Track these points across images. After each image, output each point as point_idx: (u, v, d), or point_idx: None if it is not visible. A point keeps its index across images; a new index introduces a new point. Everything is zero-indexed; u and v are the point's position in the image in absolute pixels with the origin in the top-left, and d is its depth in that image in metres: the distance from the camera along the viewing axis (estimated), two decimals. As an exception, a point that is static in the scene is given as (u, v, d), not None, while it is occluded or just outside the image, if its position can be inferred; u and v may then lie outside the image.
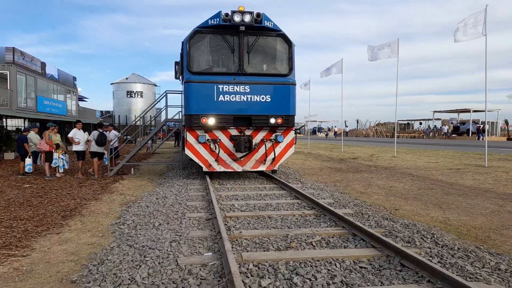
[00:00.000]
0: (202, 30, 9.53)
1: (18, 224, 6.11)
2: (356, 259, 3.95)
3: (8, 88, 20.30)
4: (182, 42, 9.91)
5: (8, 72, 20.35)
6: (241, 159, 9.80)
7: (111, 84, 45.83)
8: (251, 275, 3.53)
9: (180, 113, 15.01)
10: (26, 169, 12.24)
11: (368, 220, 5.59)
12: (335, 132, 68.86)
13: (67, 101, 29.92)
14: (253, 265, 3.78)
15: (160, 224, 5.62)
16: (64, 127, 30.34)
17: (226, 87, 9.41)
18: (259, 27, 9.51)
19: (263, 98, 9.57)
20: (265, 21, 9.47)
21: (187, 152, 9.67)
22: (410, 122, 71.91)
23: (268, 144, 9.86)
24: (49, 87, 25.97)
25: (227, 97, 9.44)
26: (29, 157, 12.19)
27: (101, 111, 44.80)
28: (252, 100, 9.52)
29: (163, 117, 14.94)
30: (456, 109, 46.49)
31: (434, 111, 48.74)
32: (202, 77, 9.45)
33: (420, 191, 8.68)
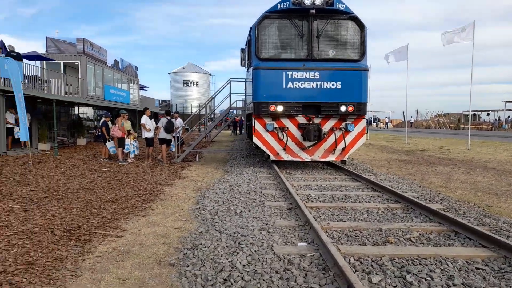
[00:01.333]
0: (271, 15, 9.33)
1: (105, 206, 6.41)
2: (468, 259, 3.61)
3: (79, 77, 21.60)
4: (250, 28, 9.80)
5: (79, 61, 21.64)
6: (310, 148, 9.57)
7: (169, 73, 47.29)
8: (356, 270, 3.34)
9: (242, 101, 14.96)
10: (111, 152, 12.83)
11: (466, 217, 5.14)
12: (387, 123, 65.92)
13: (130, 90, 31.32)
14: (354, 259, 3.59)
15: (241, 212, 5.59)
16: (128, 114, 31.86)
17: (295, 74, 9.18)
18: (330, 10, 9.13)
19: (333, 84, 9.22)
20: (337, 3, 9.06)
21: (255, 140, 9.62)
22: (476, 113, 66.90)
23: (338, 133, 9.53)
24: (114, 77, 27.32)
25: (296, 84, 9.21)
26: (109, 140, 12.80)
27: (159, 100, 46.52)
28: (322, 87, 9.21)
29: (221, 106, 15.05)
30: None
31: (506, 101, 44.81)
32: (271, 63, 9.28)
33: (511, 187, 7.93)
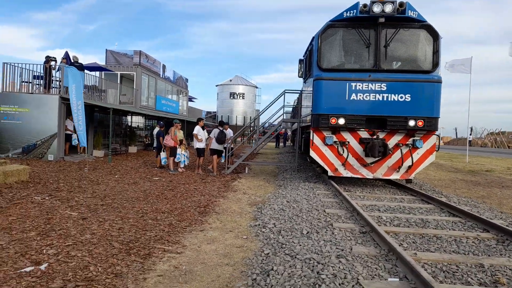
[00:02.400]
0: (336, 24, 8.85)
1: (162, 217, 6.15)
2: None
3: (134, 87, 22.27)
4: (313, 37, 9.37)
5: (135, 73, 22.35)
6: (372, 165, 8.87)
7: (216, 86, 48.02)
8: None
9: (287, 114, 14.50)
10: (162, 162, 12.97)
11: None
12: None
13: (179, 101, 32.00)
14: (464, 303, 2.95)
15: (308, 233, 5.06)
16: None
17: (359, 85, 8.58)
18: (401, 18, 8.48)
19: (401, 97, 8.51)
20: (409, 10, 8.40)
21: (312, 154, 9.09)
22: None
23: (404, 150, 8.75)
24: (166, 88, 28.00)
25: (360, 95, 8.61)
26: (163, 151, 12.89)
27: (206, 111, 47.31)
28: (389, 99, 8.53)
29: (265, 118, 14.62)
30: None
31: None
32: (334, 74, 8.76)
33: None
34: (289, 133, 41.84)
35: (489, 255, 4.25)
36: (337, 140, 8.91)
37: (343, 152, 8.88)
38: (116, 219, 5.89)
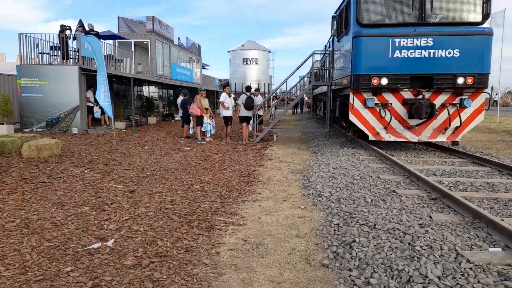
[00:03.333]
0: (375, -26, 8.14)
1: (209, 188, 5.92)
2: None
3: (149, 55, 21.71)
4: (350, -9, 8.69)
5: (149, 40, 21.70)
6: (416, 127, 8.43)
7: (228, 51, 46.88)
8: None
9: (321, 76, 13.92)
10: (190, 132, 12.73)
11: None
12: None
13: (193, 69, 31.35)
14: None
15: (373, 201, 4.77)
16: (192, 93, 32.13)
17: (403, 41, 7.99)
18: (448, -35, 7.74)
19: (449, 53, 7.91)
20: (458, -44, 7.63)
21: (352, 118, 8.66)
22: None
23: (451, 110, 8.26)
24: (180, 55, 27.33)
25: (404, 52, 8.04)
26: (191, 120, 12.61)
27: (218, 79, 46.54)
28: (436, 55, 7.95)
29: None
30: None
31: None
32: (375, 30, 8.16)
33: None
34: (306, 99, 41.02)
35: None
36: (378, 102, 8.44)
37: (385, 115, 8.44)
38: (164, 191, 5.68)
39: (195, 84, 30.49)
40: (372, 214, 4.10)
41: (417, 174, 5.61)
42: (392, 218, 3.89)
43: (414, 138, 8.52)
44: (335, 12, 10.48)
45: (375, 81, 8.14)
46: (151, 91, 27.58)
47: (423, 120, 8.20)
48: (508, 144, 11.21)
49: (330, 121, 16.32)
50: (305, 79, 29.57)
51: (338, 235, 3.76)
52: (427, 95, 8.26)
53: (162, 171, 7.27)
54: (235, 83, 45.35)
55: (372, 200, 4.74)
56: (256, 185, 6.29)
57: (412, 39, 7.95)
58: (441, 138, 8.50)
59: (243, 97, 11.68)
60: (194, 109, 12.01)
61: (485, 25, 7.94)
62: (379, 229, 3.61)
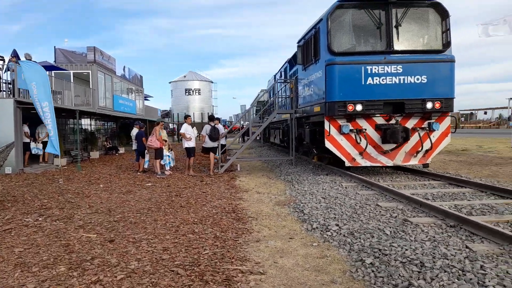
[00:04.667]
0: (344, 4, 8.31)
1: (200, 230, 5.20)
2: None
3: (91, 87, 20.28)
4: (320, 20, 8.75)
5: (90, 71, 20.33)
6: (391, 152, 8.50)
7: (169, 82, 46.06)
8: None
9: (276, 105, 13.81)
10: (145, 166, 11.77)
11: None
12: None
13: (136, 100, 30.03)
14: None
15: (392, 232, 4.45)
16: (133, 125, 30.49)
17: (375, 68, 8.14)
18: (410, -4, 8.15)
19: (418, 79, 8.20)
20: (419, -12, 8.08)
21: (328, 145, 8.51)
22: (473, 112, 67.21)
23: (421, 133, 8.48)
24: (123, 87, 26.02)
25: (376, 79, 8.17)
26: (147, 153, 11.69)
27: (161, 110, 45.18)
28: (406, 81, 8.18)
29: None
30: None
31: (510, 98, 44.60)
32: (348, 58, 8.23)
33: None
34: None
35: None
36: (353, 128, 8.42)
37: (360, 141, 8.41)
38: (149, 237, 4.86)
39: (138, 116, 29.11)
40: (407, 249, 3.75)
41: (419, 200, 5.46)
42: (434, 253, 3.57)
43: (389, 163, 8.57)
44: (299, 42, 10.54)
45: (350, 108, 8.12)
46: (92, 124, 25.74)
47: (398, 144, 8.29)
48: (460, 163, 11.85)
49: (288, 149, 16.26)
50: (252, 109, 29.63)
51: (382, 277, 3.33)
52: (398, 120, 8.42)
53: (133, 212, 6.36)
54: (177, 114, 44.34)
55: (392, 232, 4.42)
56: (248, 222, 5.69)
57: (383, 66, 8.12)
58: (414, 161, 8.66)
59: (207, 128, 11.10)
60: (153, 142, 11.13)
61: (447, 52, 8.39)
62: (430, 268, 3.25)
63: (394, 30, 8.27)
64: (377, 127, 8.48)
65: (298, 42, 10.74)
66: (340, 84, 8.15)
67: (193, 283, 3.42)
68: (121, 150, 22.89)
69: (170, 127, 42.25)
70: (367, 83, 8.16)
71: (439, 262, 3.31)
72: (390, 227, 4.58)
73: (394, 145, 8.42)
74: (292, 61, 14.50)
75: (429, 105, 8.19)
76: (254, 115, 28.93)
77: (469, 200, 5.96)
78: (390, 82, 8.16)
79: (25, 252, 4.29)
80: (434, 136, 8.57)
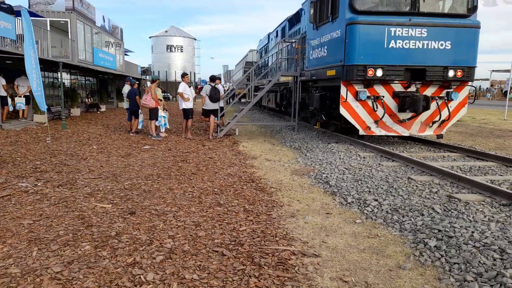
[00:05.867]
0: (368, -44, 7.57)
1: (226, 202, 4.74)
2: None
3: (70, 37, 18.71)
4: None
5: (69, 20, 18.66)
6: (407, 121, 8.16)
7: (150, 37, 43.63)
8: None
9: (299, 65, 12.96)
10: (139, 126, 11.04)
11: None
12: None
13: (116, 55, 28.31)
14: None
15: (446, 211, 4.13)
16: (115, 81, 29.07)
17: (399, 30, 7.59)
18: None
19: (442, 44, 7.73)
20: None
21: (343, 111, 8.06)
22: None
23: (439, 103, 8.15)
24: (103, 39, 24.30)
25: (399, 42, 7.64)
26: (140, 113, 10.93)
27: (140, 67, 43.12)
28: (429, 47, 7.70)
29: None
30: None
31: (492, 71, 45.24)
32: (371, 17, 7.61)
33: None
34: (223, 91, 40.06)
35: None
36: (370, 94, 7.97)
37: (377, 108, 8.00)
38: (173, 209, 4.37)
39: (118, 71, 27.59)
40: (473, 232, 3.43)
41: (456, 174, 5.17)
42: (508, 237, 3.27)
43: (406, 132, 8.25)
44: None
45: (370, 73, 7.62)
46: (71, 78, 24.19)
47: (417, 113, 7.94)
48: (461, 134, 11.75)
49: (285, 114, 15.76)
50: (241, 70, 28.57)
51: (458, 264, 3.00)
52: (418, 87, 8.02)
53: (142, 179, 5.82)
54: (158, 71, 42.49)
55: (444, 210, 4.10)
56: (273, 193, 5.27)
57: (407, 29, 7.58)
58: (429, 132, 8.38)
59: (207, 88, 10.38)
60: (148, 101, 10.36)
61: (472, 17, 7.91)
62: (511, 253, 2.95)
63: (421, -11, 7.65)
64: (395, 95, 8.07)
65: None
66: (361, 46, 7.58)
67: (245, 267, 3.00)
68: (102, 108, 21.76)
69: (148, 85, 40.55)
70: (390, 46, 7.62)
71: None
72: (438, 204, 4.27)
73: (410, 114, 8.08)
74: (293, 20, 13.65)
75: (451, 73, 7.79)
76: (242, 76, 27.95)
77: (501, 175, 5.74)
78: (413, 47, 7.66)
79: (36, 226, 3.72)
80: (451, 106, 8.26)
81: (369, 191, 5.00)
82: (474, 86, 8.52)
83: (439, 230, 3.57)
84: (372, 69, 7.62)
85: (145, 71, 45.71)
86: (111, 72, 25.31)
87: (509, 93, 18.82)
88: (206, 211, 4.35)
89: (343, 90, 7.95)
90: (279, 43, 13.16)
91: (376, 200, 4.64)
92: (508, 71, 40.43)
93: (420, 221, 3.88)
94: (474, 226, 3.52)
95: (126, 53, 36.42)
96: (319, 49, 9.33)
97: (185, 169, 6.57)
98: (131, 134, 10.96)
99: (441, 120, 8.21)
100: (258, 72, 18.17)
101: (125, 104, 11.69)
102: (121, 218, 4.00)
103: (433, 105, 8.10)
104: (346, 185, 5.35)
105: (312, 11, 9.42)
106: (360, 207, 4.57)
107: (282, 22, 15.27)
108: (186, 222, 3.97)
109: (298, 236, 3.75)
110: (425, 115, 8.23)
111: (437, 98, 8.10)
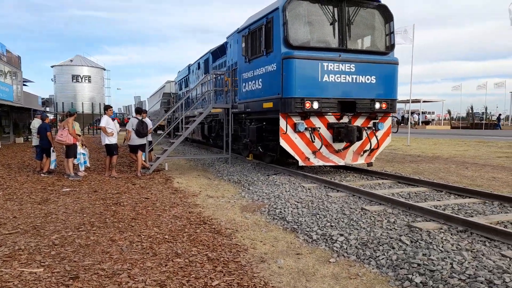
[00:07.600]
0: (299, -5, 7.92)
1: (181, 250, 4.19)
2: None
3: (-44, 65, 16.10)
4: (274, 9, 8.16)
5: (-45, 45, 16.11)
6: (342, 151, 8.47)
7: (52, 67, 39.97)
8: None
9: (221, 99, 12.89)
10: (52, 166, 9.61)
11: None
12: None
13: (13, 85, 25.24)
14: None
15: (413, 242, 4.16)
16: (12, 114, 25.77)
17: (331, 65, 7.96)
18: (360, -5, 8.22)
19: (368, 79, 8.30)
20: (367, -12, 8.17)
21: (283, 143, 8.05)
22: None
23: (368, 132, 8.66)
24: (-2, 67, 21.51)
25: (332, 77, 8.01)
26: (53, 151, 9.55)
27: (41, 98, 39.04)
28: (357, 81, 8.21)
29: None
30: (407, 99, 48.90)
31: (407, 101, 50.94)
32: (305, 52, 7.87)
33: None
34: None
35: None
36: (307, 126, 8.13)
37: (314, 139, 8.18)
38: (125, 267, 3.69)
39: (15, 103, 24.58)
40: (451, 263, 3.47)
41: (406, 202, 5.37)
42: (485, 266, 3.35)
43: (341, 162, 8.54)
44: (242, 31, 9.80)
45: (307, 105, 7.80)
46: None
47: (350, 143, 8.29)
48: (378, 160, 12.65)
49: (213, 146, 15.36)
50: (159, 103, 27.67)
51: (450, 298, 2.96)
52: (347, 119, 8.44)
53: (73, 230, 4.94)
54: (62, 103, 38.95)
55: (411, 241, 4.13)
56: (231, 235, 4.86)
57: (338, 64, 8.00)
58: (360, 160, 8.80)
59: (133, 122, 9.62)
60: (64, 137, 9.17)
61: (391, 55, 8.70)
62: (505, 286, 3.00)
63: (346, 28, 8.21)
64: (329, 126, 8.36)
65: (239, 32, 10.01)
66: (298, 80, 7.76)
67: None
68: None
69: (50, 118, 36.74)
70: (323, 80, 7.94)
71: (506, 277, 3.09)
72: (403, 235, 4.31)
73: (343, 145, 8.41)
74: (217, 52, 13.68)
75: (377, 105, 8.38)
76: (160, 107, 26.99)
77: (439, 200, 6.15)
78: (344, 81, 8.09)
79: None
80: (378, 135, 8.84)
81: (331, 225, 4.90)
82: (396, 117, 9.26)
83: (418, 264, 3.54)
84: (309, 101, 7.80)
85: (45, 102, 41.65)
86: (7, 103, 22.43)
87: (409, 121, 21.23)
88: (166, 265, 3.77)
89: (282, 122, 7.98)
90: (207, 75, 12.97)
91: (342, 235, 4.54)
92: (405, 101, 45.86)
93: (394, 255, 3.84)
94: (449, 257, 3.57)
95: (24, 83, 32.85)
96: (252, 81, 9.35)
97: (121, 214, 5.79)
98: (42, 175, 9.54)
99: (371, 148, 8.70)
100: (181, 103, 17.64)
101: (34, 141, 10.20)
102: (63, 286, 3.21)
103: (363, 135, 8.57)
104: (305, 220, 5.19)
105: (244, 45, 9.47)
106: (327, 244, 4.41)
107: (205, 55, 15.20)
108: (147, 282, 3.35)
109: (279, 285, 3.41)
110: (356, 145, 8.65)
111: (366, 128, 8.59)
